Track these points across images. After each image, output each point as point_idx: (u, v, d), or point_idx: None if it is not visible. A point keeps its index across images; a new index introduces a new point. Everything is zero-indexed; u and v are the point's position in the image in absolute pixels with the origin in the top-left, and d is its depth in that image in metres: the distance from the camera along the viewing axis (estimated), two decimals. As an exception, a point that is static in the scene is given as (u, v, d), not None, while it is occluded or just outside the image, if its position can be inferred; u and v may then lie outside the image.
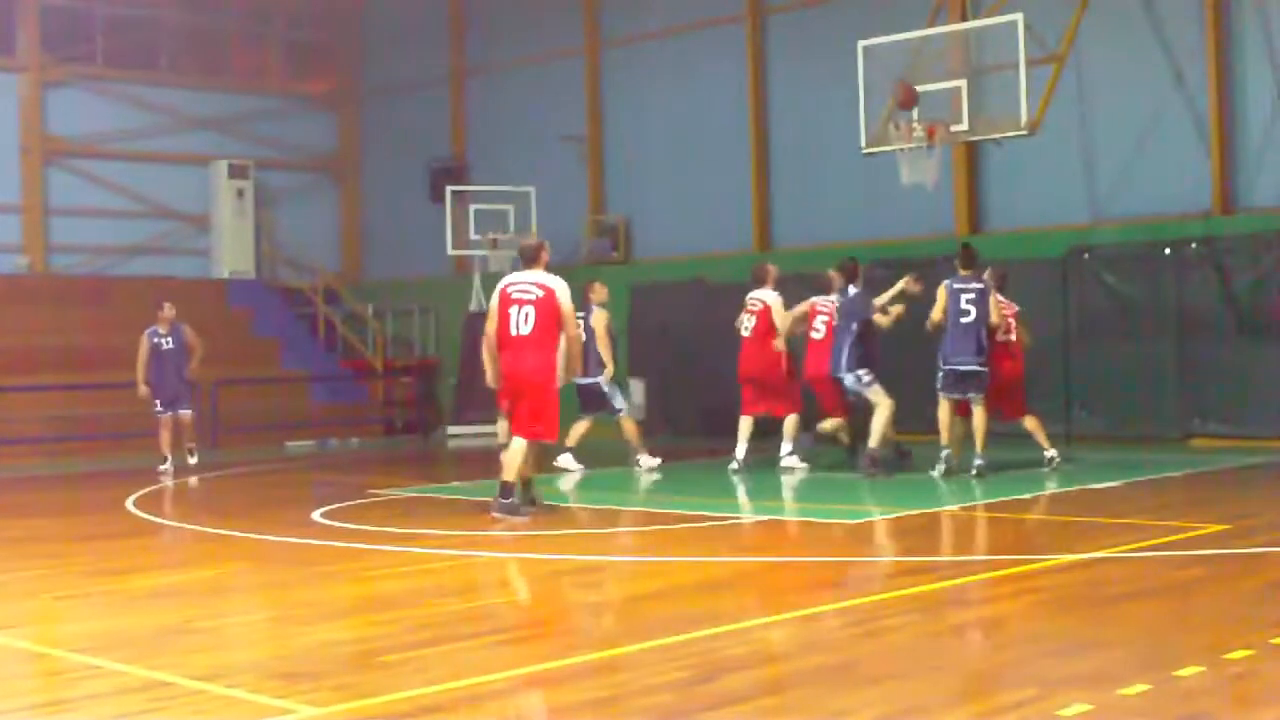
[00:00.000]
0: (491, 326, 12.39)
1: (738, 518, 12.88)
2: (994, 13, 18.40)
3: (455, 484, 16.53)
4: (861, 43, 18.29)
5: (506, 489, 12.34)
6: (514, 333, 12.24)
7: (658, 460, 17.13)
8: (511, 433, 12.48)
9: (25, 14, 26.88)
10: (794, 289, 17.67)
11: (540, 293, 12.23)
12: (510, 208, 25.37)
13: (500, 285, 12.51)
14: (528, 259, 12.56)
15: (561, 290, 12.27)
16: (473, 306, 25.76)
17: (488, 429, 24.46)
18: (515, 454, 12.30)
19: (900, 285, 16.12)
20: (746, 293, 17.09)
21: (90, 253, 27.51)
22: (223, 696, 6.43)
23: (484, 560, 10.58)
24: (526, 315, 12.20)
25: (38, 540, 12.64)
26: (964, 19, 18.87)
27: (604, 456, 17.79)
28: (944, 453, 15.40)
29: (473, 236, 25.33)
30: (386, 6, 29.91)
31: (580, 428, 17.29)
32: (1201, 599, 8.29)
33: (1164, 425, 18.81)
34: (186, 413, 19.90)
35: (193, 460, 19.81)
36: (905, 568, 9.48)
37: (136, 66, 28.35)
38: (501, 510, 12.24)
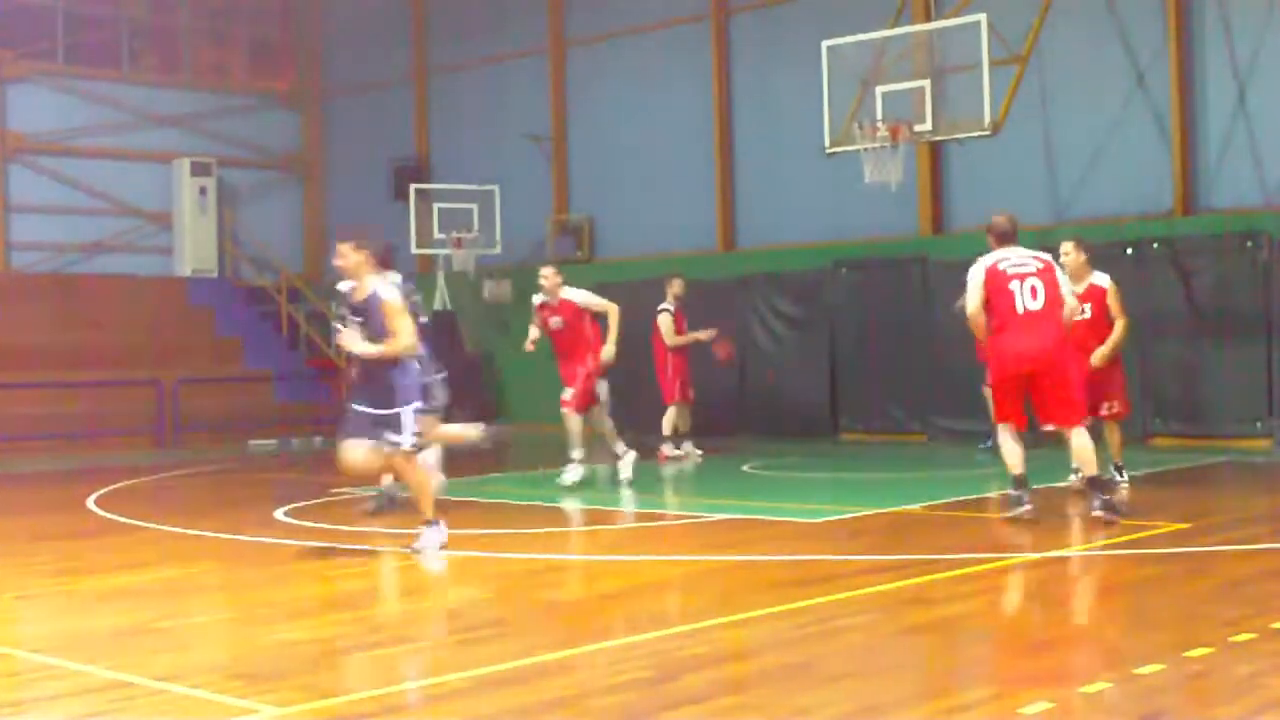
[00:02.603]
0: (974, 306, 11.46)
1: (699, 516, 12.90)
2: (957, 13, 18.47)
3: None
4: (825, 43, 18.32)
5: (1102, 483, 11.52)
6: (1022, 309, 11.31)
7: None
8: (1045, 422, 11.69)
9: (-15, 10, 26.72)
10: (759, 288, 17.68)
11: (1040, 264, 11.54)
12: (474, 207, 25.37)
13: (985, 264, 11.58)
14: (1007, 236, 11.81)
15: (1054, 263, 11.74)
16: (437, 305, 25.73)
17: (451, 428, 24.42)
18: (1087, 446, 11.45)
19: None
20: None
21: (51, 250, 27.34)
22: (185, 697, 6.40)
23: (446, 559, 10.55)
24: (1034, 288, 11.36)
25: (-3, 540, 12.56)
26: (927, 19, 18.91)
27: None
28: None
29: (436, 235, 25.30)
30: (349, 4, 29.82)
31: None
32: (1162, 597, 8.33)
33: (1125, 424, 18.81)
34: None
35: None
36: (866, 566, 9.50)
37: (98, 63, 28.20)
38: (1104, 508, 11.25)
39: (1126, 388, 14.14)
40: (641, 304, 23.67)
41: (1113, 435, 13.88)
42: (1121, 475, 13.80)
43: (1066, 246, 13.77)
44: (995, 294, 11.33)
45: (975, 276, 11.46)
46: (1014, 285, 11.26)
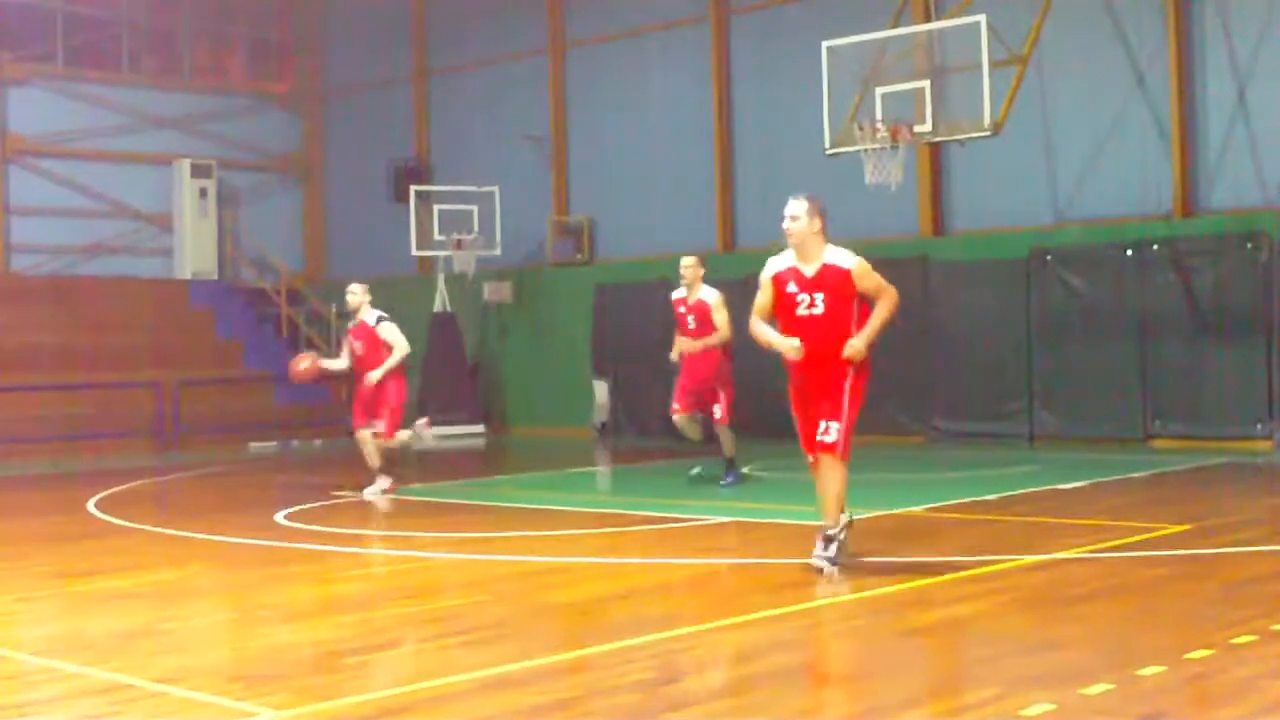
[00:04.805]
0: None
1: (700, 519, 12.89)
2: (957, 14, 18.47)
3: (417, 485, 16.48)
4: (825, 43, 18.32)
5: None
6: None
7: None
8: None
9: (-15, 12, 26.73)
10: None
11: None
12: (474, 208, 25.37)
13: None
14: None
15: None
16: (437, 306, 25.74)
17: (451, 430, 24.47)
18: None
19: None
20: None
21: (51, 252, 27.34)
22: (184, 699, 6.39)
23: (445, 562, 10.55)
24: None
25: (-3, 542, 12.56)
26: (927, 20, 18.91)
27: (572, 457, 17.77)
28: None
29: (436, 237, 25.30)
30: (349, 6, 29.83)
31: None
32: (1163, 599, 8.33)
33: (1125, 426, 18.89)
34: None
35: None
36: (868, 568, 9.49)
37: (98, 65, 28.21)
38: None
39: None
40: (642, 305, 23.75)
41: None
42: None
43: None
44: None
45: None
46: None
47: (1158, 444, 18.56)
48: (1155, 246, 18.81)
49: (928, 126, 17.55)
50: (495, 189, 25.42)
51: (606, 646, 7.29)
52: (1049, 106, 19.94)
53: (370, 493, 14.93)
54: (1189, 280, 18.54)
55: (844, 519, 9.49)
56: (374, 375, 14.93)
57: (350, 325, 15.27)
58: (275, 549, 11.30)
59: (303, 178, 30.67)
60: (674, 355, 15.15)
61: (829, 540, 9.30)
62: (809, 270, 9.51)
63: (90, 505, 14.90)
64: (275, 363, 27.16)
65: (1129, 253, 18.98)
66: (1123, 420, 18.93)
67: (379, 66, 29.12)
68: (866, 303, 9.41)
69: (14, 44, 26.99)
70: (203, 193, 28.23)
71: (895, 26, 18.72)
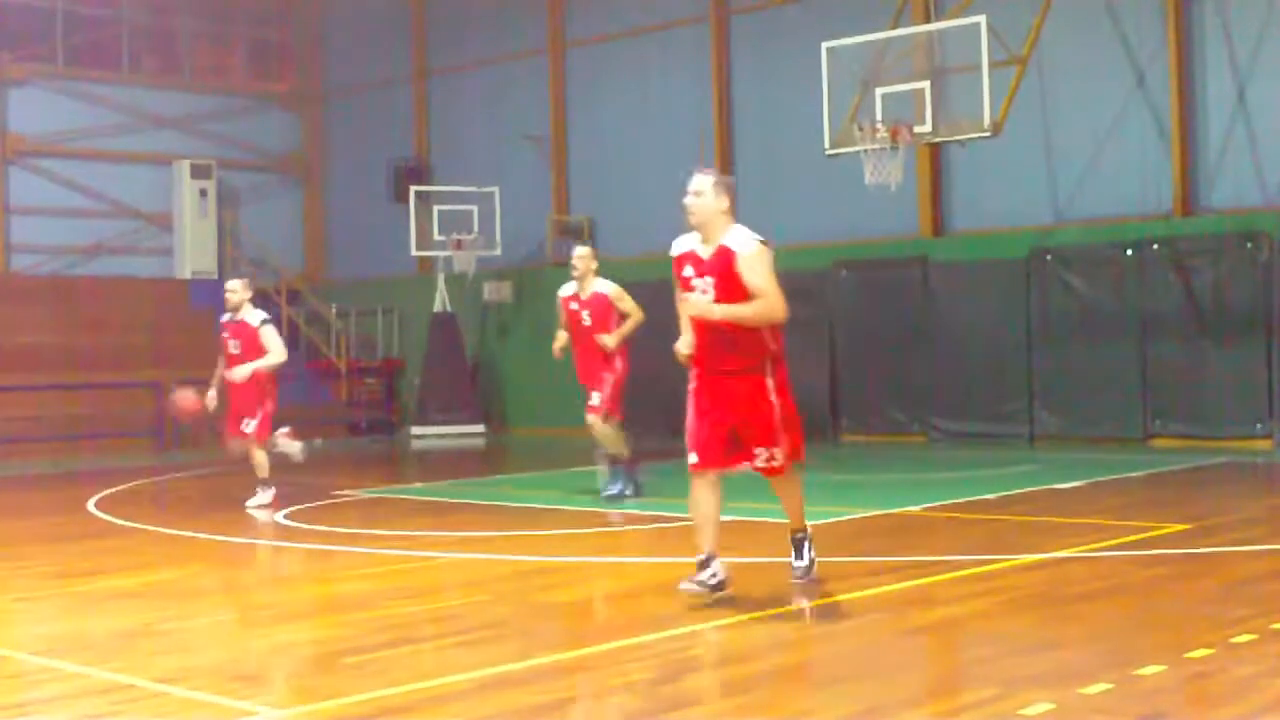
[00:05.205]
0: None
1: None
2: (957, 15, 18.48)
3: (419, 485, 16.48)
4: (825, 44, 18.33)
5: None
6: None
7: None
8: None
9: (-15, 12, 26.74)
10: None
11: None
12: (474, 209, 25.37)
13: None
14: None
15: None
16: (437, 307, 25.75)
17: (451, 429, 24.48)
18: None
19: None
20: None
21: (51, 252, 27.35)
22: (184, 699, 6.40)
23: (446, 561, 10.56)
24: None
25: (-3, 542, 12.56)
26: (927, 21, 18.92)
27: (572, 456, 17.77)
28: None
29: (436, 237, 25.30)
30: (348, 5, 29.83)
31: None
32: (1163, 598, 8.33)
33: (1125, 425, 18.90)
34: None
35: None
36: (868, 568, 9.49)
37: (98, 65, 28.21)
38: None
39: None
40: (641, 304, 23.67)
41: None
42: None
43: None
44: None
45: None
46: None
47: (1158, 444, 18.56)
48: (1155, 246, 18.82)
49: (928, 127, 17.56)
50: (495, 189, 25.41)
51: (605, 646, 7.29)
52: (1049, 106, 19.94)
53: (253, 505, 14.03)
54: (1189, 280, 18.55)
55: (713, 568, 8.31)
56: (241, 371, 14.11)
57: (227, 321, 14.38)
58: (276, 549, 11.30)
59: (303, 178, 30.67)
60: (558, 348, 14.42)
61: (799, 544, 8.95)
62: (706, 253, 8.63)
63: (90, 505, 14.91)
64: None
65: (1129, 253, 18.99)
66: (1122, 420, 18.93)
67: (379, 66, 29.12)
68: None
69: (14, 44, 26.99)
70: (203, 193, 28.23)
71: (895, 27, 18.73)
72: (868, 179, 17.83)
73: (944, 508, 13.03)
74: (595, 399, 13.97)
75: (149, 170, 28.25)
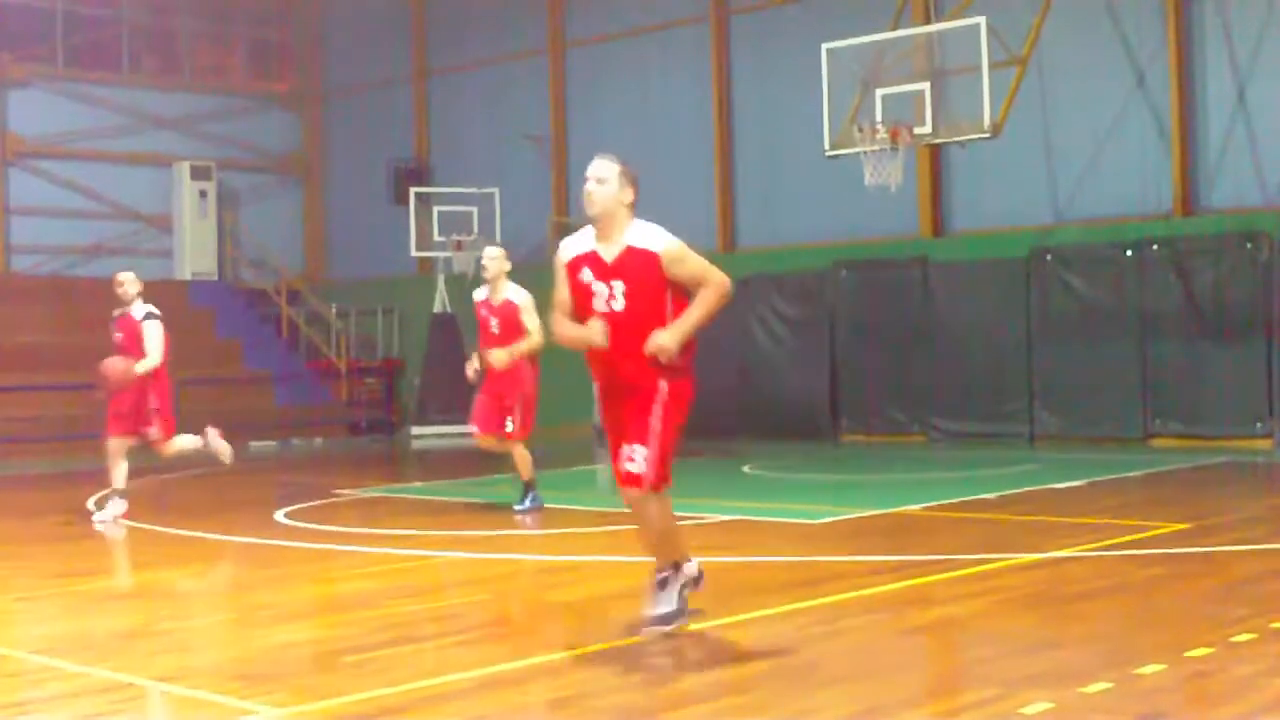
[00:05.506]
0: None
1: (700, 518, 12.89)
2: (957, 15, 18.49)
3: (418, 484, 16.48)
4: (825, 45, 18.35)
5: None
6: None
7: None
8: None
9: (-15, 13, 26.75)
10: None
11: None
12: (474, 209, 25.36)
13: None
14: None
15: None
16: (436, 308, 25.75)
17: (451, 429, 24.47)
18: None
19: None
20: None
21: (51, 253, 27.35)
22: (184, 698, 6.40)
23: (446, 561, 10.56)
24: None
25: (-3, 542, 12.56)
26: (927, 21, 18.93)
27: (571, 456, 17.76)
28: None
29: (436, 238, 25.30)
30: (348, 5, 29.84)
31: None
32: (1162, 598, 8.32)
33: (1125, 425, 18.90)
34: None
35: None
36: (868, 567, 9.49)
37: (98, 66, 28.22)
38: None
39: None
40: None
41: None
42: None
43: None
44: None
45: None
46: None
47: (1158, 443, 18.57)
48: (1155, 246, 18.82)
49: (927, 128, 17.57)
50: (495, 190, 25.40)
51: (605, 645, 7.29)
52: (1049, 106, 19.95)
53: (103, 517, 13.38)
54: (1189, 280, 18.55)
55: (688, 569, 7.58)
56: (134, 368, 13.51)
57: (116, 315, 13.97)
58: (275, 548, 11.30)
59: (303, 178, 30.68)
60: (471, 370, 13.50)
61: (662, 584, 7.46)
62: (609, 253, 7.61)
63: (90, 505, 14.89)
64: (275, 363, 27.21)
65: (1129, 253, 18.99)
66: (1122, 420, 18.94)
67: (379, 66, 29.13)
68: (686, 295, 7.40)
69: (14, 44, 27.00)
70: (202, 193, 28.24)
71: (895, 28, 18.74)
72: (868, 180, 17.84)
73: (944, 507, 13.03)
74: (509, 425, 13.24)
75: (149, 171, 28.26)
